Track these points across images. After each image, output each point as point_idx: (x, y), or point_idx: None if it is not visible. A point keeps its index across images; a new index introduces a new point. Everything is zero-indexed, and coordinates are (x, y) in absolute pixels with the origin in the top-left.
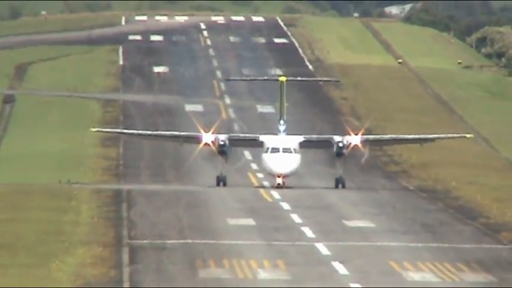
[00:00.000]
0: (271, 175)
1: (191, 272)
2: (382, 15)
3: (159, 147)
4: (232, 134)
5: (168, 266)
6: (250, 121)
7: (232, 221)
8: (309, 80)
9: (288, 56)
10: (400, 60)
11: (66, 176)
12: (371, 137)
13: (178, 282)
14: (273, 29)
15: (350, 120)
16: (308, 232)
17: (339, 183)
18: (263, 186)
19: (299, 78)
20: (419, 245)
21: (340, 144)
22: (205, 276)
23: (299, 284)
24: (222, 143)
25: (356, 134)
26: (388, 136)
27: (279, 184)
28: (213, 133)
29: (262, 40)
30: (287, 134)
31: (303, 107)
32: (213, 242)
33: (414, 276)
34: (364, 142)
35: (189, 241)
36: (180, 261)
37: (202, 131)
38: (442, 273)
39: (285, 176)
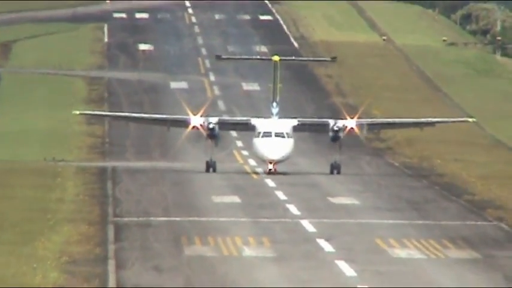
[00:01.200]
0: (262, 161)
1: (176, 250)
2: None
3: (146, 128)
4: (222, 117)
5: (153, 243)
6: (235, 99)
7: (217, 199)
8: (303, 60)
9: (273, 33)
10: (384, 38)
11: (52, 153)
12: (368, 120)
13: (164, 259)
14: (258, 6)
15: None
16: (293, 209)
17: (334, 169)
18: (255, 173)
19: (293, 58)
20: (405, 222)
21: (336, 128)
22: (190, 253)
23: (284, 262)
24: (211, 126)
25: (352, 118)
26: (387, 120)
27: (270, 170)
28: (201, 116)
29: (247, 17)
30: (280, 117)
31: (288, 84)
32: (198, 219)
33: (400, 253)
34: (360, 126)
35: (174, 218)
36: (165, 238)
37: (190, 113)
38: (428, 250)
39: (276, 162)
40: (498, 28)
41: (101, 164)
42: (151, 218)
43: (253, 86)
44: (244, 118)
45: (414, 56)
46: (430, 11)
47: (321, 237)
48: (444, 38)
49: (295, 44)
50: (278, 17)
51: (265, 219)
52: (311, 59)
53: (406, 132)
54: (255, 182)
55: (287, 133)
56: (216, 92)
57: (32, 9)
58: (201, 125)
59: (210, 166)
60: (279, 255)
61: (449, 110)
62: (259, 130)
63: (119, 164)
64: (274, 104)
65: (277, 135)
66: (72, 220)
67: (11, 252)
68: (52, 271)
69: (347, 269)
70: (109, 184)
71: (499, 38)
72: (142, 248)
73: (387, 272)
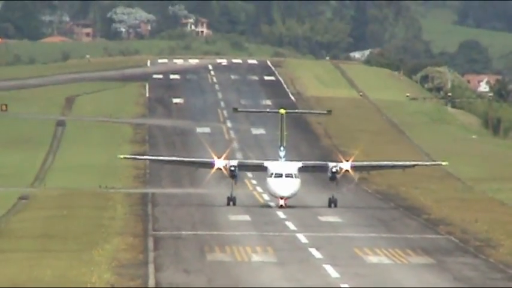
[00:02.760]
0: (275, 197)
1: (200, 256)
2: (348, 58)
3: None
4: (241, 160)
5: (183, 251)
6: (246, 141)
7: (232, 217)
8: (304, 113)
9: (275, 90)
10: (361, 93)
11: (105, 182)
12: (360, 163)
13: (191, 263)
14: (264, 69)
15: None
16: (290, 225)
17: (332, 202)
18: (268, 206)
19: (297, 111)
20: (376, 235)
21: (334, 170)
22: (211, 259)
23: (284, 265)
24: (232, 168)
25: (347, 161)
26: (374, 163)
27: (281, 205)
28: (224, 159)
29: (256, 78)
30: (286, 160)
31: (286, 129)
32: (218, 233)
33: (372, 259)
34: (354, 168)
35: (199, 232)
36: (192, 247)
37: (215, 157)
38: (394, 257)
39: (287, 198)
40: (449, 86)
41: (143, 190)
42: (182, 232)
43: (260, 131)
44: (259, 161)
45: (384, 108)
46: (396, 73)
47: (312, 247)
48: (407, 94)
49: (293, 98)
50: (279, 77)
51: (269, 233)
52: (311, 111)
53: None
54: (261, 205)
55: (295, 174)
56: (232, 135)
57: (90, 71)
58: (223, 167)
59: (231, 200)
60: (279, 260)
61: (411, 149)
62: (271, 171)
63: (157, 190)
64: (282, 148)
65: (287, 175)
66: (121, 233)
67: (74, 258)
68: (105, 273)
69: (332, 272)
70: (149, 206)
71: (449, 94)
72: (175, 255)
73: (363, 274)
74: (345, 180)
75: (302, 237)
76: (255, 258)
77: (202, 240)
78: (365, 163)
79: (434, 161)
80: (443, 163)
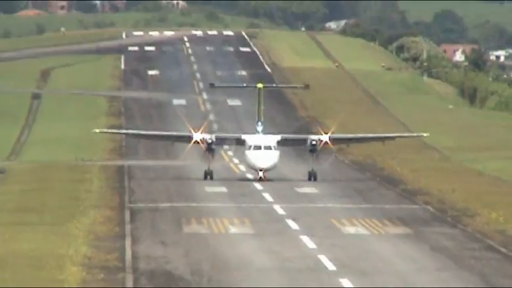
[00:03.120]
0: (253, 169)
1: (177, 228)
2: (323, 29)
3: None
4: (218, 134)
5: (159, 223)
6: (222, 112)
7: (209, 189)
8: (281, 87)
9: (251, 61)
10: (336, 64)
11: (81, 155)
12: (339, 136)
13: (168, 236)
14: (239, 40)
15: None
16: (267, 197)
17: (312, 175)
18: (247, 179)
19: (274, 85)
20: (353, 206)
21: (313, 142)
22: (188, 231)
23: (261, 237)
24: (209, 141)
25: (326, 133)
26: (353, 135)
27: (260, 177)
28: (201, 132)
29: (231, 49)
30: (264, 134)
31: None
32: (194, 205)
33: (349, 229)
34: (333, 140)
35: (176, 204)
36: (169, 220)
37: (192, 130)
38: (371, 227)
39: (266, 170)
40: (424, 56)
41: (119, 162)
42: (158, 204)
43: (236, 102)
44: (236, 135)
45: (360, 78)
46: (371, 43)
47: (288, 218)
48: (383, 64)
49: (268, 69)
50: (255, 48)
51: (246, 205)
52: (288, 86)
53: None
54: (237, 176)
55: (274, 146)
56: (208, 107)
57: (65, 44)
58: (201, 140)
59: (208, 174)
60: (257, 232)
61: (387, 120)
62: (249, 144)
63: (134, 162)
64: (259, 123)
65: (265, 147)
66: (97, 206)
67: (51, 231)
68: (82, 246)
69: (309, 242)
70: (126, 178)
71: (425, 63)
72: (151, 227)
73: (340, 245)
74: (324, 152)
75: (279, 209)
76: (232, 230)
77: (178, 213)
78: (344, 135)
79: (412, 131)
80: (424, 134)
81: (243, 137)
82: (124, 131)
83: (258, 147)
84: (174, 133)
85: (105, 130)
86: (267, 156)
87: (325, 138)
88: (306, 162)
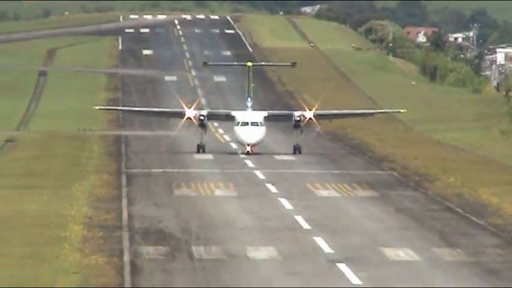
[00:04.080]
0: (241, 144)
1: (169, 191)
2: (300, 13)
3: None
4: (210, 110)
5: (153, 187)
6: (209, 87)
7: (197, 156)
8: (270, 65)
9: (234, 42)
10: (312, 44)
11: (82, 125)
12: (322, 112)
13: (160, 198)
14: (224, 23)
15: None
16: (249, 163)
17: (296, 149)
18: (235, 153)
19: (262, 63)
20: (326, 172)
21: (297, 118)
22: (178, 194)
23: (244, 199)
24: (201, 117)
25: (310, 110)
26: (336, 111)
27: (248, 152)
28: (194, 109)
29: (217, 31)
30: (253, 110)
31: (244, 77)
32: (184, 170)
33: (323, 193)
34: (317, 116)
35: (167, 170)
36: (161, 183)
37: (185, 107)
38: (342, 191)
39: (253, 145)
40: (390, 38)
41: (117, 132)
42: (152, 170)
43: (221, 78)
44: (226, 111)
45: (332, 57)
46: (343, 26)
47: (268, 182)
48: (353, 45)
49: (250, 49)
50: (238, 31)
51: (230, 170)
52: (276, 64)
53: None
54: (222, 144)
55: (260, 122)
56: (196, 83)
57: (69, 26)
58: (194, 117)
59: (200, 148)
60: (240, 194)
61: (356, 94)
62: (238, 120)
63: (130, 132)
64: (249, 99)
65: (252, 123)
66: (97, 171)
67: (54, 194)
68: (83, 207)
69: (287, 204)
70: (123, 146)
71: (391, 44)
72: (145, 190)
73: (314, 206)
74: (307, 127)
75: (260, 174)
76: (218, 192)
77: (170, 177)
78: (327, 111)
79: (379, 105)
80: (401, 111)
81: (233, 113)
82: (122, 107)
83: (246, 123)
84: (169, 110)
85: (105, 107)
86: (253, 131)
87: (309, 114)
88: (290, 136)
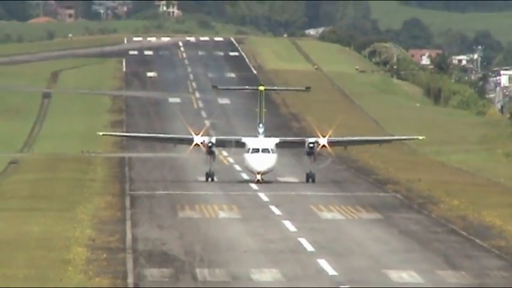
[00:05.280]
0: (251, 172)
1: (172, 213)
2: (304, 35)
3: (152, 129)
4: (218, 137)
5: (156, 209)
6: (212, 109)
7: (201, 178)
8: (282, 89)
9: (238, 64)
10: (316, 67)
11: (87, 147)
12: (337, 139)
13: (164, 220)
14: (228, 45)
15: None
16: (253, 185)
17: (309, 177)
18: (245, 181)
19: (275, 88)
20: (330, 194)
21: (311, 145)
22: (182, 216)
23: (247, 221)
24: (210, 144)
25: (324, 136)
26: (351, 138)
27: (258, 180)
28: (202, 135)
29: (221, 53)
30: (265, 136)
31: (248, 98)
32: (188, 192)
33: (327, 215)
34: (331, 143)
35: (171, 192)
36: (165, 206)
37: (193, 133)
38: (346, 213)
39: (263, 173)
40: (394, 60)
41: (120, 154)
42: (155, 192)
43: (225, 101)
44: (236, 137)
45: (336, 79)
46: (346, 48)
47: (272, 204)
48: (357, 67)
49: (254, 72)
50: (242, 53)
51: (234, 192)
52: (289, 88)
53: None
54: (226, 167)
55: (272, 149)
56: (200, 105)
57: (73, 48)
58: (201, 143)
59: (209, 176)
60: (243, 217)
61: (360, 116)
62: (248, 147)
63: (133, 155)
64: (261, 125)
65: (263, 151)
66: (101, 193)
67: (58, 216)
68: (87, 228)
69: (290, 226)
70: (126, 169)
71: (395, 66)
72: (149, 212)
73: (318, 228)
74: (320, 155)
75: (263, 196)
76: (222, 215)
77: (174, 199)
78: (342, 138)
79: (382, 127)
80: (420, 137)
81: (243, 139)
82: (127, 133)
83: (256, 150)
84: (176, 136)
85: (109, 133)
86: (264, 159)
87: (323, 141)
88: (303, 164)
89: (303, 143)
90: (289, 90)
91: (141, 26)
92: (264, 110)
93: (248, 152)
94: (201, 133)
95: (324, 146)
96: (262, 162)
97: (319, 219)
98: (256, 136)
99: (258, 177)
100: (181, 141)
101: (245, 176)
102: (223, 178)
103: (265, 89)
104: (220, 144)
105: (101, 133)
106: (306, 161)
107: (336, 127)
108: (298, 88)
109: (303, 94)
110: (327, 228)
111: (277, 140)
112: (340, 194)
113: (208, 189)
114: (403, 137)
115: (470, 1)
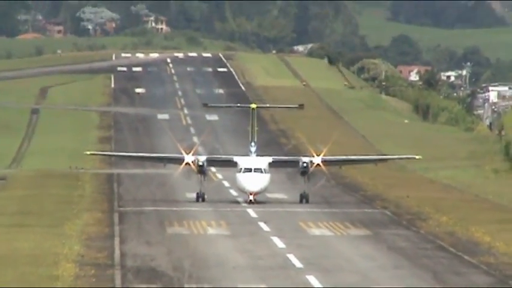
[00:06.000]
0: (243, 192)
1: (161, 229)
2: (292, 51)
3: (141, 145)
4: (209, 156)
5: (145, 225)
6: (201, 126)
7: (189, 195)
8: (275, 107)
9: (227, 80)
10: (304, 83)
11: (75, 163)
12: (331, 158)
13: (152, 236)
14: (217, 61)
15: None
16: (241, 201)
17: (303, 198)
18: (237, 202)
19: (268, 105)
20: (318, 210)
21: (304, 164)
22: (171, 232)
23: (236, 237)
24: (201, 163)
25: (318, 155)
26: (346, 157)
27: (250, 200)
28: (193, 154)
29: (210, 69)
30: (257, 155)
31: (236, 115)
32: (176, 208)
33: (315, 231)
34: (325, 162)
35: (160, 208)
36: (153, 222)
37: (183, 152)
38: (335, 229)
39: (256, 193)
40: (383, 76)
41: (109, 171)
42: (144, 208)
43: (214, 117)
44: (228, 156)
45: (324, 95)
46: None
47: (261, 221)
48: (345, 83)
49: (243, 88)
50: (231, 69)
51: (223, 209)
52: (281, 106)
53: (317, 149)
54: (215, 183)
55: (264, 169)
56: (188, 121)
57: (62, 64)
58: (192, 162)
59: (200, 197)
60: (232, 233)
61: (349, 132)
62: (240, 166)
63: (122, 171)
64: (253, 143)
65: (256, 170)
66: (89, 210)
67: (48, 232)
68: (76, 245)
69: (279, 243)
70: (115, 185)
71: (383, 83)
72: (138, 229)
73: (306, 244)
74: (313, 175)
75: (252, 212)
76: (210, 231)
77: (162, 216)
78: (336, 158)
79: (371, 143)
80: (417, 157)
81: (235, 159)
82: (116, 153)
83: (249, 170)
84: (166, 155)
85: (97, 152)
86: (257, 179)
87: (317, 160)
88: (296, 184)
89: (296, 162)
90: (282, 107)
91: (130, 42)
92: (256, 128)
93: (240, 171)
94: (191, 152)
95: (318, 165)
96: (255, 182)
97: (307, 236)
98: (248, 155)
99: (251, 197)
100: (172, 160)
101: (234, 193)
102: (212, 195)
103: (257, 107)
104: (212, 163)
105: (88, 152)
106: (299, 181)
107: (327, 145)
108: (291, 105)
109: (292, 110)
110: (315, 245)
111: (270, 159)
112: (329, 211)
113: (197, 206)
114: (400, 156)
115: (458, 17)
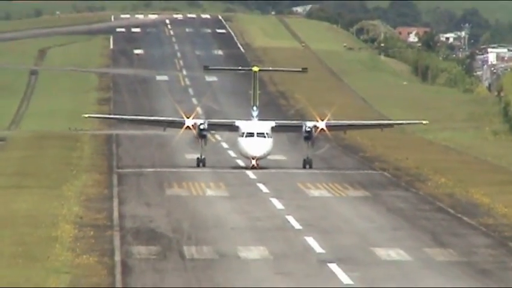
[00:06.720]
0: (245, 157)
1: (160, 191)
2: (291, 13)
3: (139, 107)
4: (210, 119)
5: (144, 186)
6: (200, 87)
7: (188, 156)
8: (278, 70)
9: (226, 42)
10: (303, 44)
11: (74, 125)
12: (336, 122)
13: (151, 197)
14: (216, 23)
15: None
16: (240, 163)
17: (306, 163)
18: (239, 167)
19: (270, 69)
20: (317, 171)
21: (308, 129)
22: (170, 193)
23: (235, 199)
24: (201, 127)
25: (322, 120)
26: (351, 122)
27: (253, 165)
28: (193, 118)
29: (209, 31)
30: (259, 119)
31: (236, 76)
32: (175, 170)
33: (314, 192)
34: (330, 127)
35: (159, 169)
36: (152, 183)
37: (184, 116)
38: (333, 191)
39: (258, 158)
40: (382, 37)
41: (108, 132)
42: (143, 169)
43: (213, 78)
44: (230, 120)
45: (324, 57)
46: (334, 26)
47: (259, 182)
48: (344, 45)
49: (242, 49)
50: (230, 30)
51: (221, 170)
52: (284, 69)
53: (318, 110)
54: (214, 144)
55: (267, 133)
56: (187, 82)
57: (60, 26)
58: (193, 126)
59: (200, 161)
60: (231, 194)
61: (348, 94)
62: (242, 131)
63: (121, 132)
64: (255, 107)
65: (259, 135)
66: (88, 171)
67: (46, 194)
68: (74, 206)
69: (278, 204)
70: (114, 146)
71: (382, 44)
72: (137, 190)
73: (305, 206)
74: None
75: (251, 174)
76: (209, 192)
77: (161, 177)
78: (341, 122)
79: (370, 105)
80: (424, 122)
81: (237, 123)
82: (116, 116)
83: (251, 135)
84: (166, 119)
85: (95, 115)
86: (259, 143)
87: (321, 125)
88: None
89: (300, 126)
90: (285, 71)
91: (129, 4)
92: (258, 91)
93: (242, 136)
94: (192, 116)
95: (322, 129)
96: (257, 147)
97: (306, 197)
98: (250, 119)
99: (253, 162)
100: (172, 124)
101: (233, 154)
102: (211, 157)
103: (259, 70)
104: (212, 127)
105: (86, 115)
106: (303, 146)
107: (330, 108)
108: (294, 69)
109: (291, 72)
110: (314, 206)
111: (272, 123)
112: (328, 172)
113: (195, 166)
114: (406, 121)
115: None
